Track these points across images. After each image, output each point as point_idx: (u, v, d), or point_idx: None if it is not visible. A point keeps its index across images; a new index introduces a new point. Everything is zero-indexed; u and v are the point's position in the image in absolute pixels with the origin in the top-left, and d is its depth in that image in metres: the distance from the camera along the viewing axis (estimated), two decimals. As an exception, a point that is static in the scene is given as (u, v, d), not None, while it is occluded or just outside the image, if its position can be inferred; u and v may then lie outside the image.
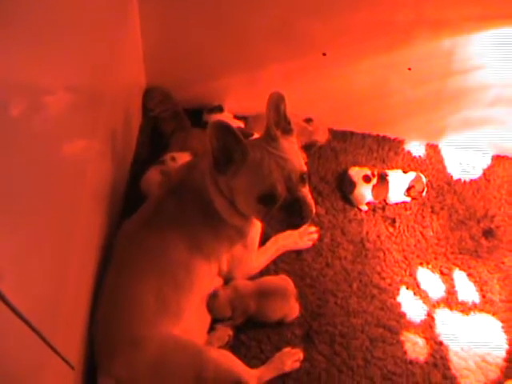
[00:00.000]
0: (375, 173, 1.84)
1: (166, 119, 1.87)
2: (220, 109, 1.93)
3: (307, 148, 1.93)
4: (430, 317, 1.69)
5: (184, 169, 1.54)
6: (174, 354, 1.37)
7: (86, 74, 1.29)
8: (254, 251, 1.61)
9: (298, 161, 1.38)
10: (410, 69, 1.78)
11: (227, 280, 1.60)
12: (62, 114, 1.14)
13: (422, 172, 1.92)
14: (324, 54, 1.76)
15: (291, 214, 1.35)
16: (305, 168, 1.39)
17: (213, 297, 1.54)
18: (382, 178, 1.83)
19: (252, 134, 1.66)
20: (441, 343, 1.64)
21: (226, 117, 1.90)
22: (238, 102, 1.93)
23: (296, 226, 1.41)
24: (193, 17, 1.71)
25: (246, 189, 1.36)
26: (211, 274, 1.52)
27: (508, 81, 1.78)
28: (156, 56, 1.83)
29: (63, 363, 1.22)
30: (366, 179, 1.82)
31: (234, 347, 1.53)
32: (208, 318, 1.55)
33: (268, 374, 1.51)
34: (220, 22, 1.72)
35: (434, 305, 1.71)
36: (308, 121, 1.93)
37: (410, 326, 1.66)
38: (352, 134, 2.02)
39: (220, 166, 1.35)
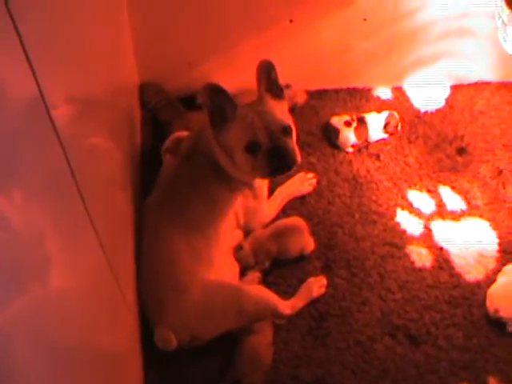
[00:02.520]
0: (354, 117, 1.91)
1: (162, 109, 1.92)
2: None
3: (290, 111, 2.00)
4: (427, 228, 1.76)
5: (192, 137, 1.61)
6: (216, 294, 1.44)
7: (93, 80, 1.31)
8: (264, 201, 1.68)
9: (282, 116, 1.45)
10: (365, 19, 1.83)
11: (247, 233, 1.67)
12: (71, 119, 1.15)
13: (393, 111, 1.99)
14: (291, 21, 1.80)
15: (274, 160, 1.41)
16: (289, 122, 1.46)
17: (239, 249, 1.61)
18: (361, 121, 1.90)
19: None
20: (441, 249, 1.72)
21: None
22: (225, 83, 1.98)
23: (280, 171, 1.47)
24: (174, 11, 1.76)
25: (235, 142, 1.43)
26: (232, 226, 1.59)
27: (451, 13, 1.85)
28: (146, 52, 1.85)
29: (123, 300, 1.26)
30: (347, 124, 1.89)
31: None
32: (237, 266, 1.61)
33: (299, 303, 1.57)
34: (198, 9, 1.76)
35: (428, 218, 1.78)
36: (287, 87, 1.99)
37: (411, 239, 1.74)
38: (326, 91, 2.07)
39: (216, 124, 1.43)
